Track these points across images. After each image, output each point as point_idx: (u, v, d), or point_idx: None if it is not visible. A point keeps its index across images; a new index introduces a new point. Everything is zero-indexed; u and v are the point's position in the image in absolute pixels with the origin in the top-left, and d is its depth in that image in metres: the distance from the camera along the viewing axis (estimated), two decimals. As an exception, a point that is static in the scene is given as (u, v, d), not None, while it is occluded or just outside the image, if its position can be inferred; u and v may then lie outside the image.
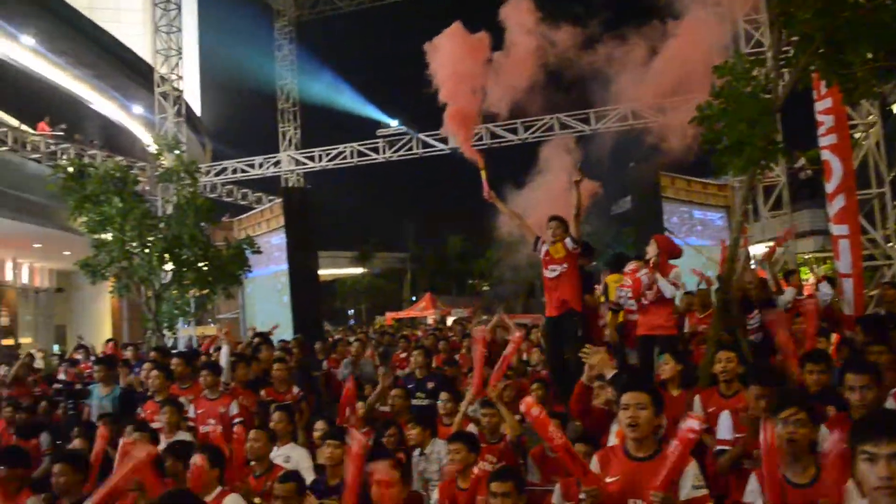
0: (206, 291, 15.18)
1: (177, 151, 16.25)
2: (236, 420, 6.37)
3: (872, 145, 12.75)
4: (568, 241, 6.65)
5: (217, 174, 24.48)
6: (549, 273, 6.77)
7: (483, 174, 7.42)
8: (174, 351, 11.34)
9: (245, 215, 21.98)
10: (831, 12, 5.28)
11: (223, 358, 7.57)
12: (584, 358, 4.64)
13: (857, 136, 13.14)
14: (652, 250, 6.58)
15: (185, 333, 19.58)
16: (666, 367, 5.33)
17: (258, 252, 15.47)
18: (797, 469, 3.47)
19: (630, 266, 7.22)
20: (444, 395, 6.21)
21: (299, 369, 8.85)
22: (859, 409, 3.97)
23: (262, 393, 7.27)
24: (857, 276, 7.91)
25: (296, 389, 7.48)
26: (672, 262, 6.68)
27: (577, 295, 6.71)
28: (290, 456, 5.61)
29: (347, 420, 6.44)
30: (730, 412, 4.57)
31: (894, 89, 20.54)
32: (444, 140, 21.77)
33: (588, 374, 4.67)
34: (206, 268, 14.62)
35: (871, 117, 12.99)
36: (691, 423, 3.21)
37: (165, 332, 14.87)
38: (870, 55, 5.46)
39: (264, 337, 10.77)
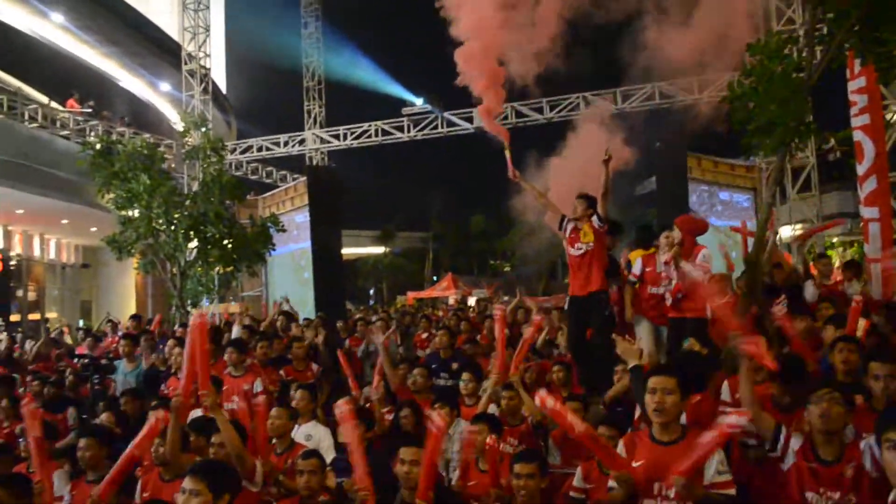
0: (230, 269, 15.32)
1: (203, 129, 16.36)
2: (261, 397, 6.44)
3: (906, 126, 12.49)
4: (595, 219, 6.62)
5: (242, 152, 24.58)
6: (574, 251, 6.74)
7: (508, 153, 7.39)
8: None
9: (270, 193, 22.13)
10: (869, -11, 5.17)
11: (234, 335, 7.65)
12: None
13: (889, 116, 12.87)
14: (676, 235, 6.43)
15: (209, 310, 19.80)
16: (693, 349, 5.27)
17: (283, 230, 15.58)
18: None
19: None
20: (466, 376, 6.21)
21: (326, 347, 8.92)
22: (882, 398, 3.94)
23: (282, 372, 7.33)
24: (887, 260, 7.78)
25: (315, 367, 7.53)
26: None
27: (603, 274, 6.68)
28: (312, 434, 5.65)
29: (368, 398, 6.49)
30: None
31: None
32: (468, 119, 21.69)
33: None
34: (230, 245, 14.76)
35: (905, 97, 12.72)
36: (735, 420, 3.19)
37: (189, 308, 15.04)
38: (907, 33, 5.35)
39: (289, 316, 10.86)
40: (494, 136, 7.89)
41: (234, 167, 24.38)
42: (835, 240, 21.34)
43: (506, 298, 17.26)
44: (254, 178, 26.81)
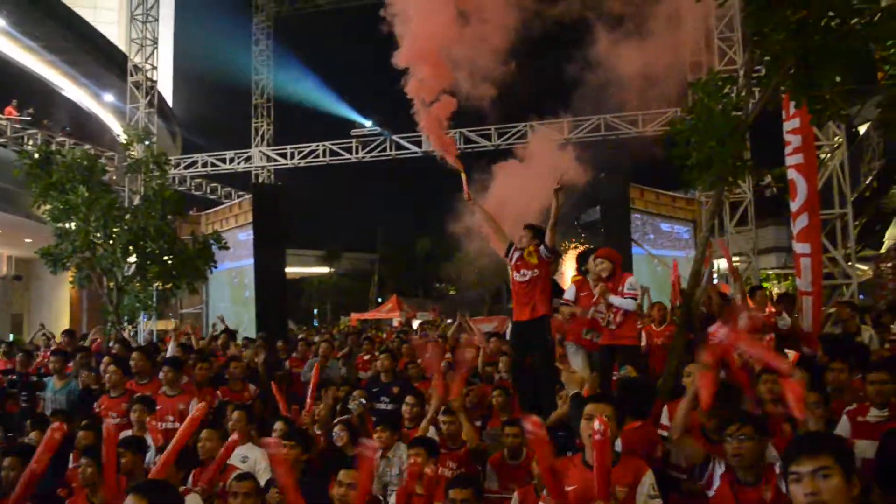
0: (169, 285, 14.99)
1: (147, 142, 16.07)
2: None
3: (837, 166, 13.02)
4: (542, 248, 6.68)
5: (187, 167, 24.21)
6: (519, 277, 6.77)
7: (463, 175, 7.44)
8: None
9: (213, 210, 21.83)
10: (804, 35, 5.39)
11: (170, 353, 7.51)
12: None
13: (822, 156, 13.40)
14: (606, 266, 6.50)
15: (145, 327, 19.32)
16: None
17: (225, 248, 15.35)
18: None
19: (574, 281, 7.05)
20: (410, 399, 6.19)
21: (266, 368, 8.80)
22: (808, 425, 4.08)
23: (219, 392, 7.20)
24: (816, 294, 8.05)
25: (252, 388, 7.42)
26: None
27: (547, 301, 6.73)
28: (248, 456, 5.56)
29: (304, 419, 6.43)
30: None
31: (860, 112, 21.12)
32: (417, 142, 21.81)
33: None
34: (170, 261, 14.46)
35: (836, 139, 13.27)
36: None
37: (126, 325, 14.66)
38: (838, 78, 5.59)
39: (230, 333, 10.69)
40: (445, 154, 7.97)
41: (177, 182, 23.98)
42: (770, 272, 22.02)
43: (449, 321, 17.32)
44: (198, 193, 26.41)
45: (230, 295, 19.33)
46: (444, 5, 7.55)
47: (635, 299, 6.47)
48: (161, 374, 6.82)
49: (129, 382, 6.95)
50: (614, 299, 6.30)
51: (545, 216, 6.85)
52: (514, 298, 7.01)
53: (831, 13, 5.41)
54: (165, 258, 14.40)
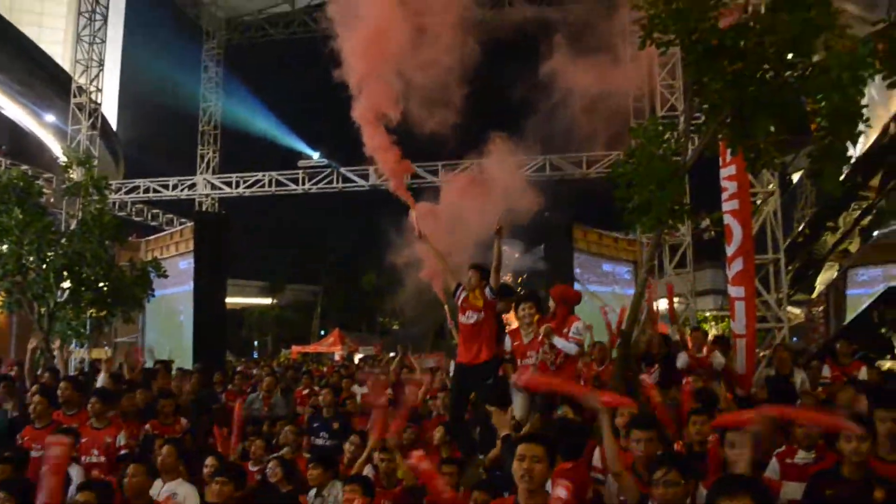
0: (103, 313, 14.53)
1: (87, 166, 15.68)
2: (123, 452, 6.11)
3: (771, 213, 13.43)
4: (488, 290, 6.67)
5: (128, 192, 23.74)
6: (464, 319, 6.71)
7: (413, 212, 7.44)
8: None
9: (154, 237, 21.35)
10: (740, 86, 5.61)
11: (99, 384, 7.26)
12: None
13: (757, 203, 13.83)
14: (552, 306, 6.56)
15: (77, 355, 18.67)
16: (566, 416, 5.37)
17: (164, 276, 14.97)
18: None
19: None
20: (354, 439, 6.10)
21: (198, 401, 8.58)
22: (736, 465, 4.15)
23: (147, 426, 6.98)
24: (750, 337, 8.27)
25: (184, 421, 7.21)
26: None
27: (492, 344, 6.67)
28: (177, 492, 5.37)
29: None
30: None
31: (794, 162, 21.93)
32: (364, 176, 21.82)
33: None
34: (106, 288, 14.03)
35: (770, 186, 13.71)
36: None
37: (56, 352, 14.13)
38: (772, 128, 5.81)
39: (165, 365, 10.40)
40: (395, 182, 7.97)
41: (118, 207, 23.49)
42: (707, 314, 22.51)
43: (392, 354, 17.20)
44: (139, 219, 25.88)
45: (167, 324, 18.83)
46: (391, 34, 7.63)
47: (580, 345, 6.42)
48: (89, 406, 6.57)
49: (55, 413, 6.68)
50: (558, 341, 6.28)
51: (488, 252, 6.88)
52: (459, 340, 6.97)
53: (766, 66, 5.64)
54: (101, 285, 13.97)
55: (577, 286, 14.93)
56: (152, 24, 36.81)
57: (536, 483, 3.46)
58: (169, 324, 18.41)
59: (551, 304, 6.56)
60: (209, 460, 5.56)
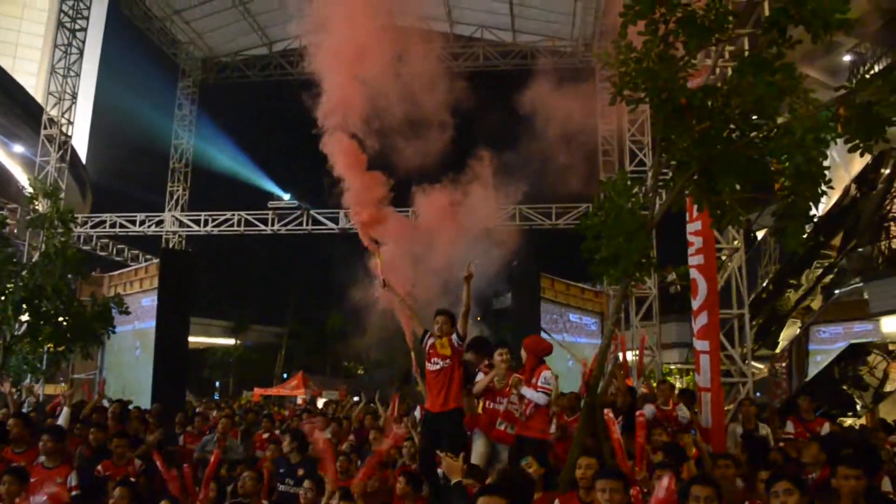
0: (62, 348, 14.20)
1: (54, 198, 15.47)
2: (74, 493, 5.91)
3: (735, 269, 13.61)
4: (454, 337, 6.63)
5: (94, 226, 23.43)
6: (431, 366, 6.65)
7: (379, 261, 7.44)
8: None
9: (118, 272, 21.05)
10: (707, 143, 5.74)
11: (61, 421, 7.06)
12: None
13: (722, 258, 14.04)
14: (525, 356, 6.57)
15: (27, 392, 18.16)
16: (529, 469, 5.32)
17: (126, 312, 14.71)
18: None
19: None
20: (307, 484, 5.99)
21: (158, 443, 8.36)
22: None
23: (100, 467, 6.77)
24: (715, 391, 8.30)
25: (138, 463, 7.02)
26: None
27: (458, 392, 6.60)
28: (129, 535, 5.21)
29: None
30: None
31: (758, 220, 22.39)
32: (334, 219, 21.81)
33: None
34: (65, 323, 13.74)
35: (735, 242, 13.92)
36: None
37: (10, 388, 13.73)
38: (738, 186, 5.94)
39: (123, 405, 10.15)
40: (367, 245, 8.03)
41: (83, 241, 23.14)
42: (672, 367, 22.64)
43: (356, 399, 16.97)
44: (103, 254, 25.51)
45: (127, 362, 18.45)
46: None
47: (548, 395, 6.41)
48: (40, 444, 6.36)
49: (5, 450, 6.46)
50: (526, 391, 6.28)
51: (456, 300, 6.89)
52: (426, 388, 6.89)
53: (732, 126, 5.78)
54: (60, 319, 13.68)
55: (544, 336, 14.99)
56: (128, 59, 36.77)
57: None
58: (131, 363, 18.04)
59: (522, 354, 6.57)
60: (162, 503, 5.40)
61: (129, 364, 18.03)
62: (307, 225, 22.36)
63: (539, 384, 6.32)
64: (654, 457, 6.14)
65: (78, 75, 20.93)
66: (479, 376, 6.72)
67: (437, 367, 6.60)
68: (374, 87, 8.11)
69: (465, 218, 8.69)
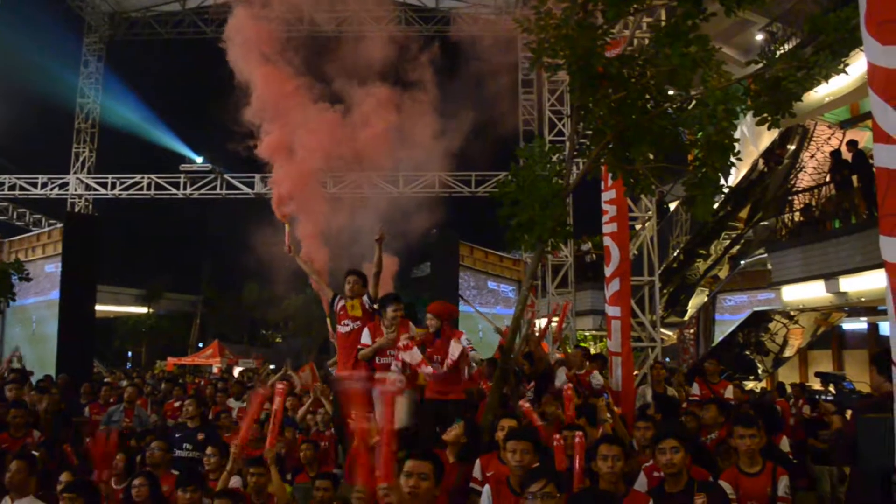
0: (-44, 317, 13.48)
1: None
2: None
3: (648, 238, 13.98)
4: (365, 298, 6.58)
5: (-9, 189, 22.24)
6: (342, 328, 6.59)
7: (287, 227, 7.32)
8: None
9: (18, 237, 20.02)
10: (622, 112, 5.82)
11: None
12: None
13: (636, 227, 14.39)
14: (432, 322, 6.45)
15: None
16: (453, 432, 5.24)
17: (27, 279, 14.06)
18: None
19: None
20: (210, 450, 5.85)
21: (59, 413, 8.05)
22: (609, 477, 4.27)
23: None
24: (625, 355, 8.55)
25: (37, 434, 6.73)
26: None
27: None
28: (27, 511, 4.98)
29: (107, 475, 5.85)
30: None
31: (671, 190, 23.04)
32: (250, 184, 21.31)
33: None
34: (-40, 290, 13.04)
35: (648, 213, 14.29)
36: None
37: None
38: (651, 155, 6.06)
39: (21, 373, 9.72)
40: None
41: (-22, 204, 21.95)
42: (587, 334, 23.19)
43: (272, 367, 16.76)
44: (2, 218, 24.21)
45: (29, 332, 17.64)
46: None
47: (468, 344, 6.27)
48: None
49: None
50: (404, 355, 6.15)
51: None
52: (338, 351, 6.81)
53: (647, 96, 5.87)
54: (-46, 286, 12.98)
55: (461, 305, 15.09)
56: (29, 11, 34.57)
57: (423, 501, 3.40)
58: (34, 332, 17.25)
59: (431, 320, 6.48)
60: (63, 476, 5.19)
61: (34, 335, 17.24)
62: (221, 189, 21.78)
63: (462, 342, 6.22)
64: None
65: (-28, 27, 19.65)
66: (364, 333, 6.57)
67: (348, 328, 6.54)
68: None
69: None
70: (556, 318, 13.02)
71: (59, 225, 18.09)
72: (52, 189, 22.37)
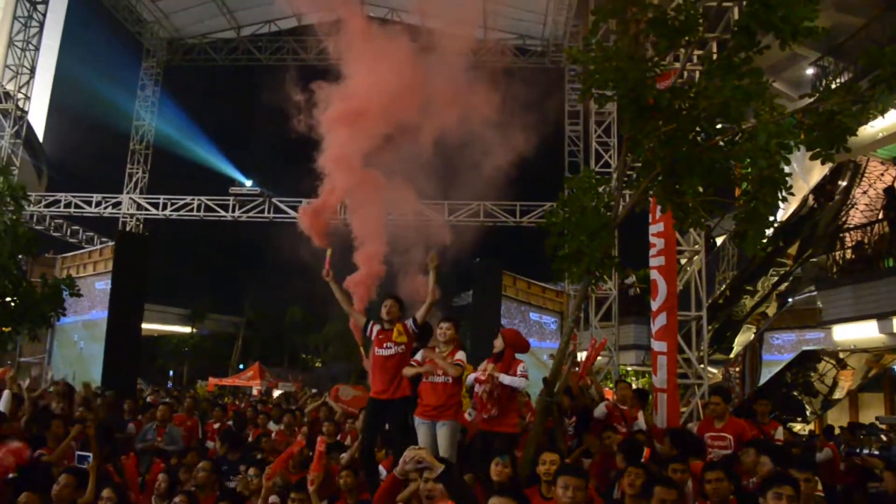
0: (8, 330, 13.77)
1: (6, 174, 15.01)
2: (11, 475, 5.71)
3: (695, 272, 13.74)
4: (410, 322, 6.54)
5: (48, 205, 22.88)
6: (383, 351, 6.50)
7: (328, 251, 7.34)
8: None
9: (71, 254, 20.55)
10: (672, 144, 5.74)
11: (2, 405, 6.82)
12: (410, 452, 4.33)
13: (682, 261, 14.17)
14: (499, 343, 6.45)
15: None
16: (502, 470, 5.08)
17: (77, 295, 14.33)
18: None
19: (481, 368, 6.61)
20: (252, 470, 5.87)
21: (102, 428, 8.13)
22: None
23: (43, 451, 6.55)
24: (671, 392, 8.34)
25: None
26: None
27: (409, 380, 6.50)
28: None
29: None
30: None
31: (719, 224, 22.71)
32: (296, 207, 21.56)
33: (402, 468, 4.39)
34: (13, 303, 13.33)
35: (696, 246, 14.06)
36: None
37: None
38: (701, 189, 5.96)
39: (68, 387, 9.88)
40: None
41: (35, 220, 22.57)
42: (629, 368, 22.83)
43: (314, 391, 16.81)
44: (57, 235, 24.89)
45: (78, 347, 18.01)
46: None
47: (527, 379, 6.32)
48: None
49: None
50: (505, 377, 6.16)
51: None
52: (373, 374, 6.72)
53: (698, 129, 5.80)
54: (8, 299, 13.28)
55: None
56: (92, 36, 35.74)
57: None
58: (79, 353, 17.62)
59: (498, 342, 6.46)
60: (105, 492, 5.23)
61: (82, 351, 17.59)
62: (269, 213, 22.08)
63: (518, 371, 6.24)
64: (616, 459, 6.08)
65: (37, 49, 20.40)
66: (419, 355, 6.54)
67: (390, 351, 6.46)
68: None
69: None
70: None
71: (111, 243, 18.50)
72: (105, 208, 22.93)
